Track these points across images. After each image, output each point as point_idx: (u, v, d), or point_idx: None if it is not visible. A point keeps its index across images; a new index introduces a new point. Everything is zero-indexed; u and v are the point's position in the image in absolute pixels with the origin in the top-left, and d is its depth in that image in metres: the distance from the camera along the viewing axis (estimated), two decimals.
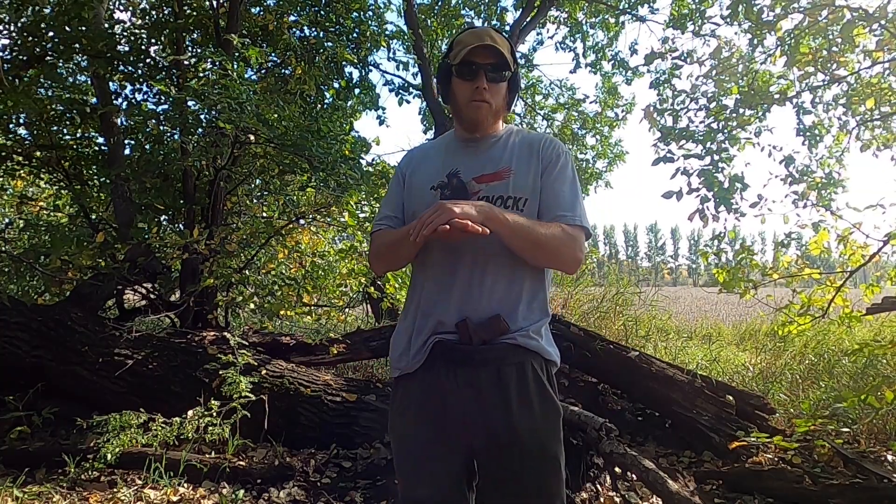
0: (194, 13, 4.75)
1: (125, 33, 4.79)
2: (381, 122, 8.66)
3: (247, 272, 4.37)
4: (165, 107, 4.58)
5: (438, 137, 1.74)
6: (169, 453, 2.92)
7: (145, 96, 4.93)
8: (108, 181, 4.58)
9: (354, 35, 5.37)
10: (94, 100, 4.78)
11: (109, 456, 2.77)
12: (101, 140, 4.87)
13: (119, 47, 4.55)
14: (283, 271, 4.87)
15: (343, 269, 4.71)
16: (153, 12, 5.17)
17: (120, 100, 4.89)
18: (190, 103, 3.87)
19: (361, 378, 4.24)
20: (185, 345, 3.67)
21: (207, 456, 3.04)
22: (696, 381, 3.73)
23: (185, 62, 4.46)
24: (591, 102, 10.51)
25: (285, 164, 4.37)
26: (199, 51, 4.45)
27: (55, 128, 4.76)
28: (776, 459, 3.31)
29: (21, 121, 4.71)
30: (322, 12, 5.34)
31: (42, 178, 5.13)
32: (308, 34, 5.33)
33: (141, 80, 4.76)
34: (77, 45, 4.32)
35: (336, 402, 3.48)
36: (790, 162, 4.99)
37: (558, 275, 4.99)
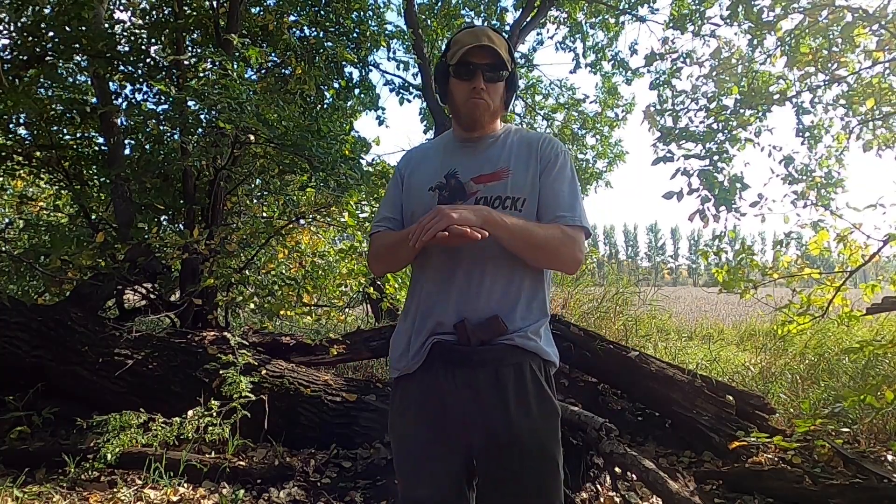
0: (194, 13, 4.75)
1: (125, 33, 4.79)
2: (381, 123, 8.67)
3: (247, 272, 4.38)
4: (165, 107, 4.59)
5: (437, 137, 1.74)
6: (169, 453, 2.91)
7: (145, 96, 4.94)
8: (108, 181, 4.58)
9: (354, 35, 5.38)
10: (94, 100, 4.78)
11: (109, 456, 2.77)
12: (101, 140, 4.87)
13: (119, 47, 4.55)
14: (283, 271, 4.87)
15: (343, 270, 4.71)
16: (153, 12, 5.17)
17: (120, 100, 4.89)
18: (190, 103, 3.87)
19: (361, 378, 4.24)
20: (185, 345, 3.67)
21: (207, 456, 3.04)
22: (696, 381, 3.73)
23: (185, 62, 4.46)
24: (591, 102, 10.54)
25: (285, 164, 4.37)
26: (199, 51, 4.45)
27: (55, 128, 4.76)
28: (776, 459, 3.31)
29: (21, 121, 4.71)
30: (322, 12, 5.34)
31: (42, 178, 5.13)
32: (308, 34, 5.34)
33: (141, 80, 4.76)
34: (77, 45, 4.32)
35: (336, 402, 3.48)
36: (790, 162, 4.99)
37: (558, 275, 4.99)
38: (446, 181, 1.49)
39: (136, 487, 2.79)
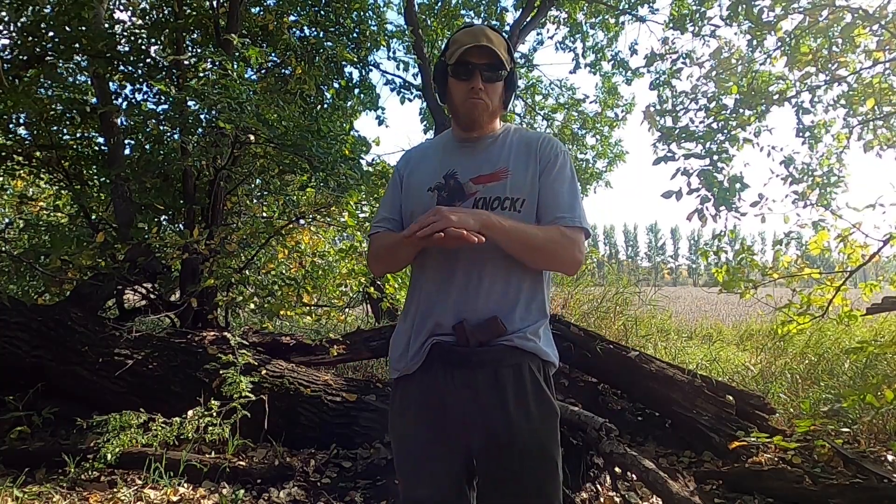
0: (194, 13, 4.75)
1: (125, 33, 4.78)
2: (381, 122, 8.65)
3: (247, 272, 4.37)
4: (165, 107, 4.59)
5: (436, 137, 1.74)
6: (169, 453, 2.92)
7: (145, 96, 4.93)
8: (108, 181, 4.58)
9: (354, 35, 5.37)
10: (94, 100, 4.78)
11: (109, 456, 2.77)
12: (101, 140, 4.87)
13: (119, 47, 4.55)
14: (283, 271, 4.87)
15: (343, 269, 4.71)
16: (153, 12, 5.17)
17: (120, 100, 4.89)
18: (190, 103, 3.87)
19: (361, 378, 4.24)
20: (185, 345, 3.67)
21: (207, 456, 3.04)
22: (696, 380, 3.73)
23: (185, 62, 4.46)
24: (590, 102, 10.53)
25: (285, 164, 4.37)
26: (199, 51, 4.45)
27: (55, 128, 4.75)
28: (776, 459, 3.31)
29: (21, 121, 4.71)
30: (322, 12, 5.34)
31: (42, 178, 5.13)
32: (308, 34, 5.33)
33: (141, 80, 4.76)
34: (77, 45, 4.32)
35: (336, 402, 3.48)
36: (790, 163, 4.99)
37: (558, 275, 4.99)
38: (445, 181, 1.49)
39: (136, 487, 2.79)
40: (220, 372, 3.22)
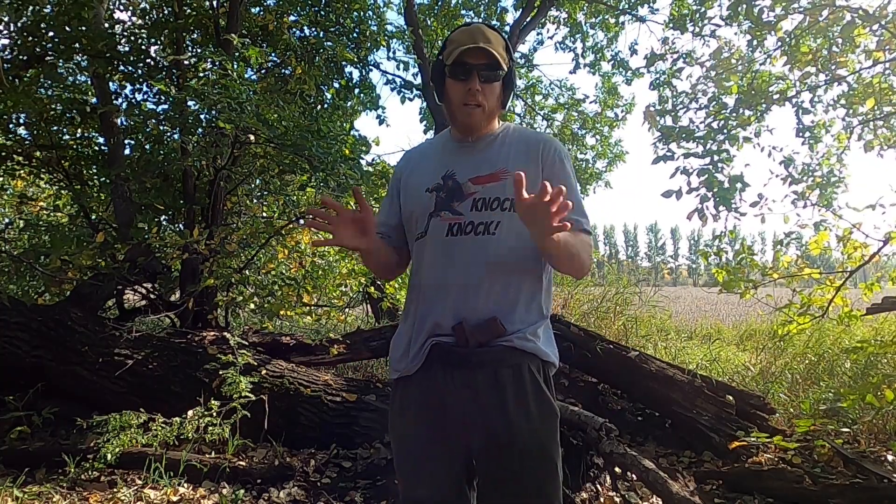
0: (194, 13, 4.75)
1: (125, 33, 4.79)
2: (381, 122, 8.65)
3: (247, 272, 4.37)
4: (165, 107, 4.59)
5: (436, 136, 1.73)
6: (169, 453, 2.92)
7: (145, 96, 4.94)
8: (108, 181, 4.58)
9: (354, 35, 5.37)
10: (94, 100, 4.78)
11: (109, 456, 2.77)
12: (101, 140, 4.87)
13: (119, 47, 4.55)
14: (283, 271, 4.86)
15: (343, 269, 4.71)
16: (153, 12, 5.17)
17: (120, 100, 4.89)
18: (190, 103, 3.87)
19: (361, 378, 4.24)
20: (185, 345, 3.67)
21: (207, 456, 3.04)
22: (696, 380, 3.73)
23: (185, 62, 4.46)
24: (590, 102, 10.54)
25: (285, 164, 4.36)
26: (199, 51, 4.44)
27: (55, 128, 4.76)
28: (776, 459, 3.31)
29: (21, 121, 4.71)
30: (322, 12, 5.34)
31: (42, 178, 5.13)
32: (308, 34, 5.33)
33: (141, 80, 4.76)
34: (77, 45, 4.32)
35: (336, 402, 3.48)
36: (790, 163, 4.99)
37: (558, 275, 5.00)
38: (443, 182, 1.49)
39: (136, 487, 2.79)
40: (220, 372, 3.22)
